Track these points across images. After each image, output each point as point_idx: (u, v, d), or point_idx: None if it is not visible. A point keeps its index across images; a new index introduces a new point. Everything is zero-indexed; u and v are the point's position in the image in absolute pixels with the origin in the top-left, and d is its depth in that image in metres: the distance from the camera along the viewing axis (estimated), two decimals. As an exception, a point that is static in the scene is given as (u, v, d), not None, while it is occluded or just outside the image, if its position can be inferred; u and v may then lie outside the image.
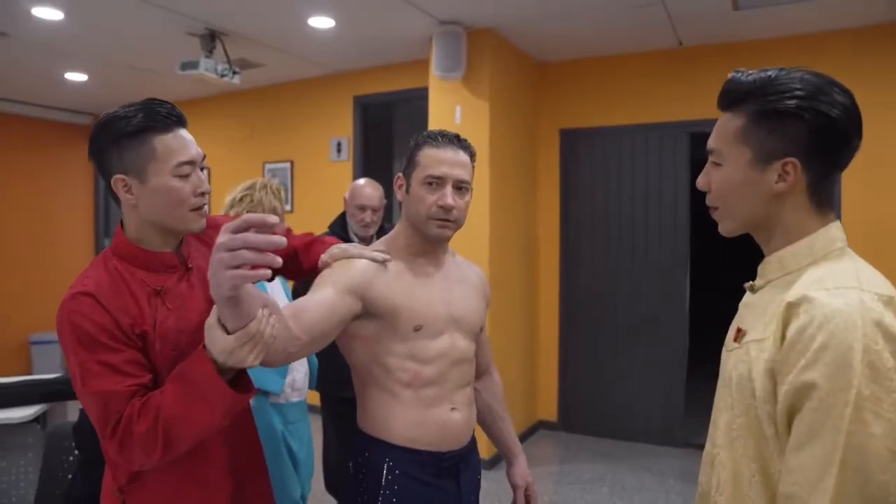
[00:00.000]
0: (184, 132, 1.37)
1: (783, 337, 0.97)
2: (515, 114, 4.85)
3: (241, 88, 5.76)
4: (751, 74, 1.06)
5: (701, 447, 4.42)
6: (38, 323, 6.76)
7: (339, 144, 5.64)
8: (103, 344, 1.24)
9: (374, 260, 1.54)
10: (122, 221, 1.40)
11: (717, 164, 1.11)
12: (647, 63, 4.90)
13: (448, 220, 1.55)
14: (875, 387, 0.89)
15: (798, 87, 1.01)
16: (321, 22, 4.34)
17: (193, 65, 4.42)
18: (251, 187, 2.55)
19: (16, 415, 2.74)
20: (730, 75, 1.10)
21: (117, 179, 1.32)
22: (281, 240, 1.03)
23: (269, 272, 1.04)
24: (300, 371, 2.63)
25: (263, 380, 2.36)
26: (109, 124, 1.32)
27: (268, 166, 5.97)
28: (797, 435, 0.93)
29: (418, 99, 4.98)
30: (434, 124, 4.54)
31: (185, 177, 1.34)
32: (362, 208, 3.11)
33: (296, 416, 2.62)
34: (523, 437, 4.94)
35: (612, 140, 5.07)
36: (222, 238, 1.03)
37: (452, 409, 1.59)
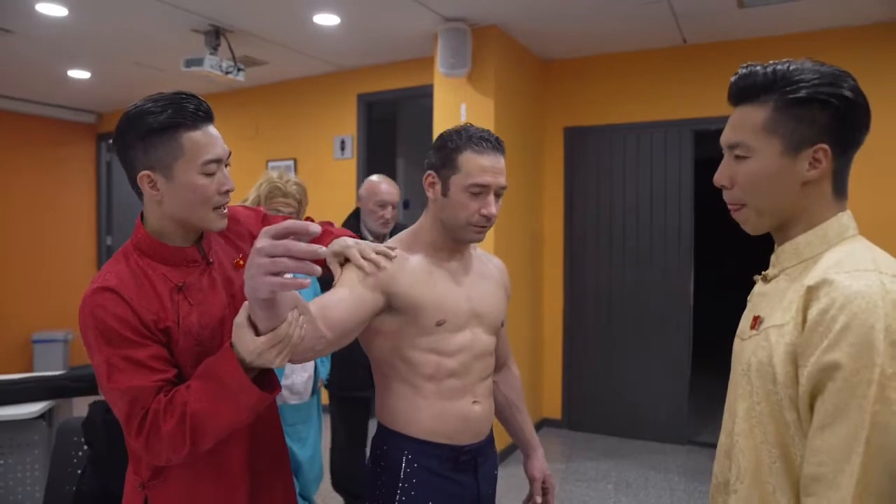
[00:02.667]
0: (212, 129, 1.34)
1: (804, 321, 0.99)
2: (520, 111, 4.85)
3: (245, 86, 5.76)
4: (766, 66, 1.08)
5: (705, 444, 4.39)
6: (41, 322, 6.75)
7: (342, 142, 5.63)
8: (128, 339, 1.23)
9: (377, 262, 1.49)
10: (141, 214, 1.39)
11: (741, 158, 1.10)
12: (652, 61, 4.89)
13: (486, 227, 1.56)
14: None
15: (817, 75, 1.03)
16: (326, 19, 4.33)
17: (198, 62, 4.41)
18: (269, 181, 2.57)
19: (22, 411, 2.73)
20: (741, 70, 1.11)
21: (143, 176, 1.30)
22: (322, 249, 1.02)
23: (308, 281, 1.04)
24: (301, 376, 2.62)
25: None
26: (137, 119, 1.29)
27: (271, 164, 5.96)
28: (821, 416, 0.94)
29: (423, 97, 4.97)
30: (439, 122, 4.53)
31: (212, 175, 1.32)
32: (382, 205, 3.07)
33: (295, 419, 2.61)
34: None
35: (617, 138, 5.06)
36: (262, 243, 1.02)
37: (474, 402, 1.60)
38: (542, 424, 5.28)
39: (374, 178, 3.18)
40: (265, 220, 1.62)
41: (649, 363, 4.95)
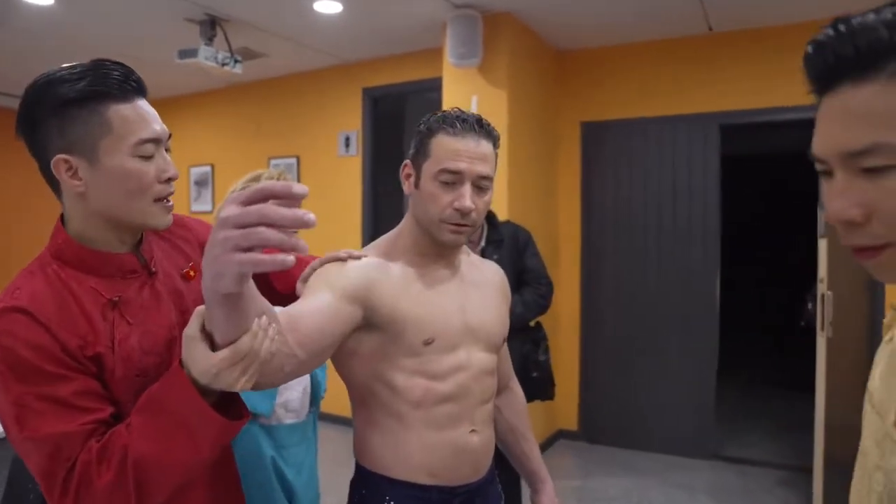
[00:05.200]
0: (144, 102, 1.09)
1: None
2: (535, 104, 4.57)
3: (244, 80, 5.51)
4: (868, 20, 0.70)
5: (733, 459, 4.00)
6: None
7: (347, 139, 5.38)
8: (46, 372, 0.96)
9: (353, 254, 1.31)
10: (62, 215, 1.13)
11: (880, 171, 0.66)
12: (675, 50, 4.59)
13: (464, 225, 1.29)
14: None
15: None
16: (328, 7, 4.07)
17: (192, 53, 4.17)
18: (255, 178, 2.32)
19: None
20: (827, 34, 0.72)
21: (59, 160, 1.04)
22: (311, 217, 0.75)
23: (292, 259, 0.75)
24: (296, 390, 2.36)
25: (250, 399, 2.09)
26: (49, 87, 1.03)
27: (273, 161, 5.72)
28: None
29: (431, 90, 4.70)
30: (448, 116, 4.28)
31: (148, 158, 1.07)
32: None
33: (290, 440, 2.35)
34: (542, 449, 4.66)
35: (637, 133, 4.76)
36: (229, 211, 0.76)
37: (472, 430, 1.34)
38: (557, 436, 5.00)
39: None
40: None
41: (673, 370, 4.65)
